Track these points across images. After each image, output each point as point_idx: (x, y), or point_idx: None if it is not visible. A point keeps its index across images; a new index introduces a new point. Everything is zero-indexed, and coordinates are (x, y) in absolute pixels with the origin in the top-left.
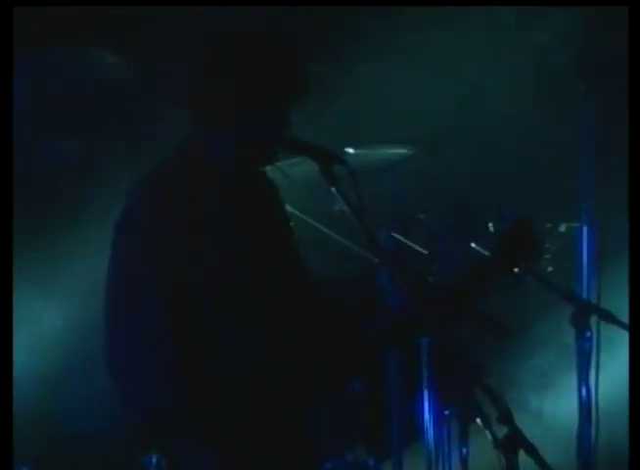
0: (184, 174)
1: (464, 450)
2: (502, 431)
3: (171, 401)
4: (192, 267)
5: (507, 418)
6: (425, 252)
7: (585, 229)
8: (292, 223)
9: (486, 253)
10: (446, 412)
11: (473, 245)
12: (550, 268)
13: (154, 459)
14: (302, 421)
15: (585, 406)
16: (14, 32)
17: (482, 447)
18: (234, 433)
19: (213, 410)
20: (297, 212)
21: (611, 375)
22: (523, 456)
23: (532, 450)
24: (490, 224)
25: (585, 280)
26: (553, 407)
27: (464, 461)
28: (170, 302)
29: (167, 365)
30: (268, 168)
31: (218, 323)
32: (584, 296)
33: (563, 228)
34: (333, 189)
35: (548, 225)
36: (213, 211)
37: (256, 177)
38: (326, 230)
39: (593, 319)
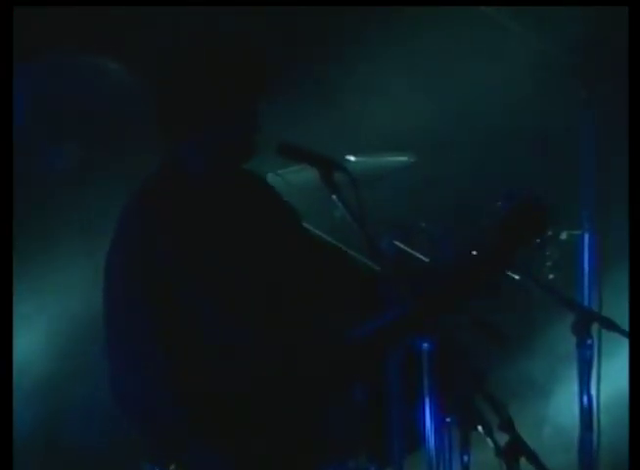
0: (165, 191)
1: (465, 458)
2: (504, 438)
3: (172, 410)
4: (186, 270)
5: (508, 426)
6: (426, 259)
7: (587, 237)
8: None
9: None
10: (448, 420)
11: (474, 253)
12: (551, 276)
13: (156, 469)
14: (304, 425)
15: (586, 414)
16: (14, 32)
17: (484, 455)
18: (235, 438)
19: (214, 416)
20: None
21: (612, 383)
22: (524, 464)
23: (534, 458)
24: (499, 203)
25: (587, 288)
26: (554, 415)
27: (465, 469)
28: (166, 307)
29: (167, 376)
30: (269, 175)
31: (218, 326)
32: (585, 303)
33: (564, 236)
34: (334, 196)
35: (549, 233)
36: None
37: (240, 179)
38: (327, 237)
39: (594, 327)
